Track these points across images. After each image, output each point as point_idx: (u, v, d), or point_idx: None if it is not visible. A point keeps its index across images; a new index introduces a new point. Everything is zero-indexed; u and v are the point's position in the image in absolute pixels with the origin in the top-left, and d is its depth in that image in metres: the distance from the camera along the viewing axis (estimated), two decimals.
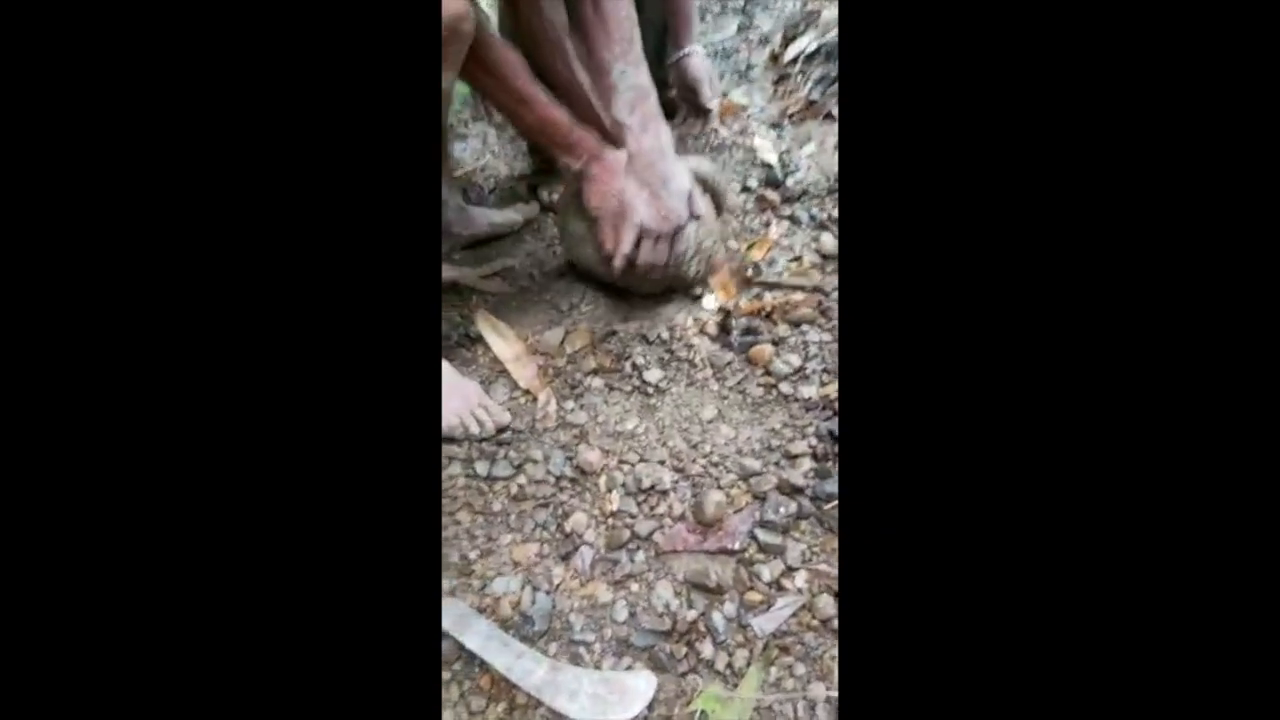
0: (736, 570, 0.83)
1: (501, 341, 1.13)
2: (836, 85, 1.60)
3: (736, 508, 0.88)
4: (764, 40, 1.92)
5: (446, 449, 0.99)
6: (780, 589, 0.81)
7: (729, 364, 1.07)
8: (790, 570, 0.82)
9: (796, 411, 0.98)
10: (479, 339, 1.15)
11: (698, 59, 1.50)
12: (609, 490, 0.92)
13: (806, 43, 1.76)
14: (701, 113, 1.57)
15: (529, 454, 0.97)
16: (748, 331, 1.10)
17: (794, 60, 1.75)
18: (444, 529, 0.90)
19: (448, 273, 1.26)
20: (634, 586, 0.83)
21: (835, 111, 1.56)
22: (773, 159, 1.49)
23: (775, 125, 1.61)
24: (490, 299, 1.24)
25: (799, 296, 1.15)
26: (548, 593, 0.83)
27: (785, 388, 1.01)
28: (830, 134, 1.54)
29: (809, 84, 1.66)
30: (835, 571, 0.81)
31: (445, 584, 0.84)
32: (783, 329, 1.10)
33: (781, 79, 1.75)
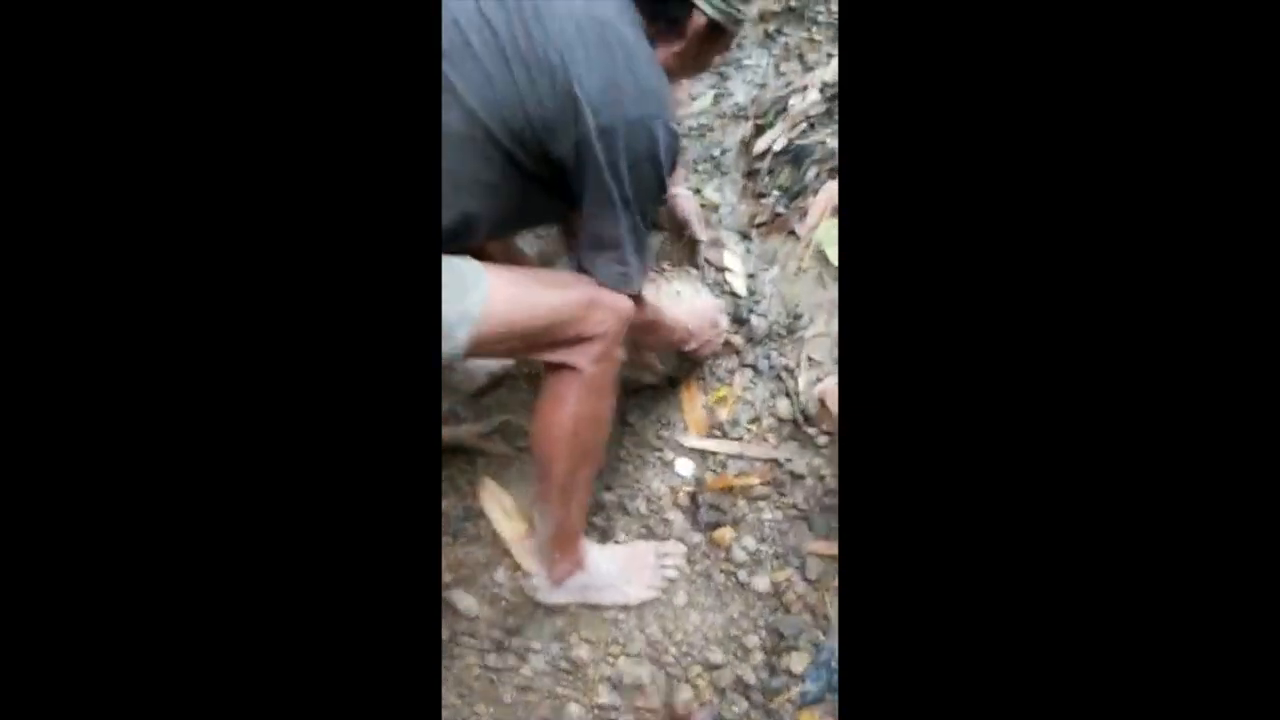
0: None
1: (505, 521, 1.31)
2: (799, 198, 1.70)
3: (701, 701, 1.11)
4: (737, 114, 1.98)
5: (462, 638, 1.20)
6: None
7: (697, 545, 1.26)
8: None
9: (751, 601, 1.19)
10: (482, 514, 1.34)
11: (684, 200, 1.60)
12: (598, 682, 1.14)
13: (775, 136, 1.83)
14: (691, 245, 1.68)
15: (530, 644, 1.18)
16: (713, 508, 1.29)
17: (763, 154, 1.83)
18: (466, 719, 1.12)
19: (448, 435, 1.42)
20: None
21: (798, 229, 1.67)
22: (740, 285, 1.62)
23: (744, 235, 1.72)
24: (492, 462, 1.41)
25: (757, 466, 1.33)
26: None
27: (743, 575, 1.21)
28: (793, 255, 1.66)
29: (775, 193, 1.75)
30: None
31: None
32: (741, 504, 1.29)
33: (751, 174, 1.84)
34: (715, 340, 1.41)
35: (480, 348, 0.88)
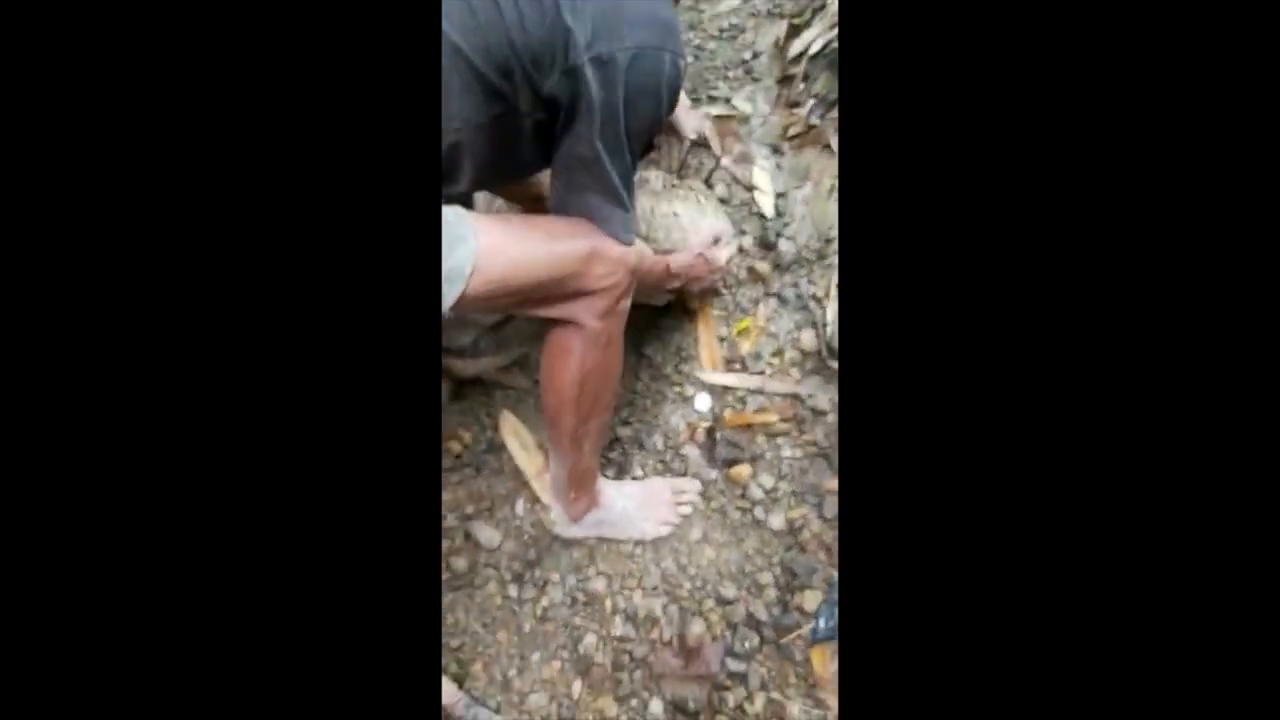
0: (710, 694, 1.09)
1: (524, 454, 1.33)
2: (836, 110, 1.57)
3: (714, 634, 1.13)
4: (771, 12, 1.82)
5: (484, 569, 1.24)
6: (742, 713, 1.07)
7: (713, 481, 1.25)
8: (750, 695, 1.08)
9: (767, 538, 1.19)
10: (503, 446, 1.35)
11: (691, 115, 1.51)
12: (613, 614, 1.17)
13: (812, 37, 1.69)
14: (682, 154, 1.59)
15: (549, 575, 1.21)
16: (731, 444, 1.27)
17: (798, 57, 1.69)
18: (488, 647, 1.17)
19: (468, 367, 1.42)
20: (633, 702, 1.10)
21: (834, 143, 1.56)
22: (769, 206, 1.53)
23: (775, 149, 1.62)
24: (511, 394, 1.41)
25: (777, 401, 1.30)
26: (569, 708, 1.11)
27: (759, 513, 1.21)
28: (828, 172, 1.55)
29: (810, 101, 1.63)
30: (789, 702, 1.06)
31: (491, 702, 1.13)
32: (760, 441, 1.27)
33: (785, 79, 1.70)
34: (707, 277, 1.28)
35: (470, 306, 0.84)
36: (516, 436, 1.35)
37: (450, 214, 0.84)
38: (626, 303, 0.99)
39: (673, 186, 1.34)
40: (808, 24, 1.72)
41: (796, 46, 1.71)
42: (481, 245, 0.83)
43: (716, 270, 1.28)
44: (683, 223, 1.25)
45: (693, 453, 1.28)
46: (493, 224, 0.87)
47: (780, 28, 1.76)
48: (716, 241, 1.27)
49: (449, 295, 0.82)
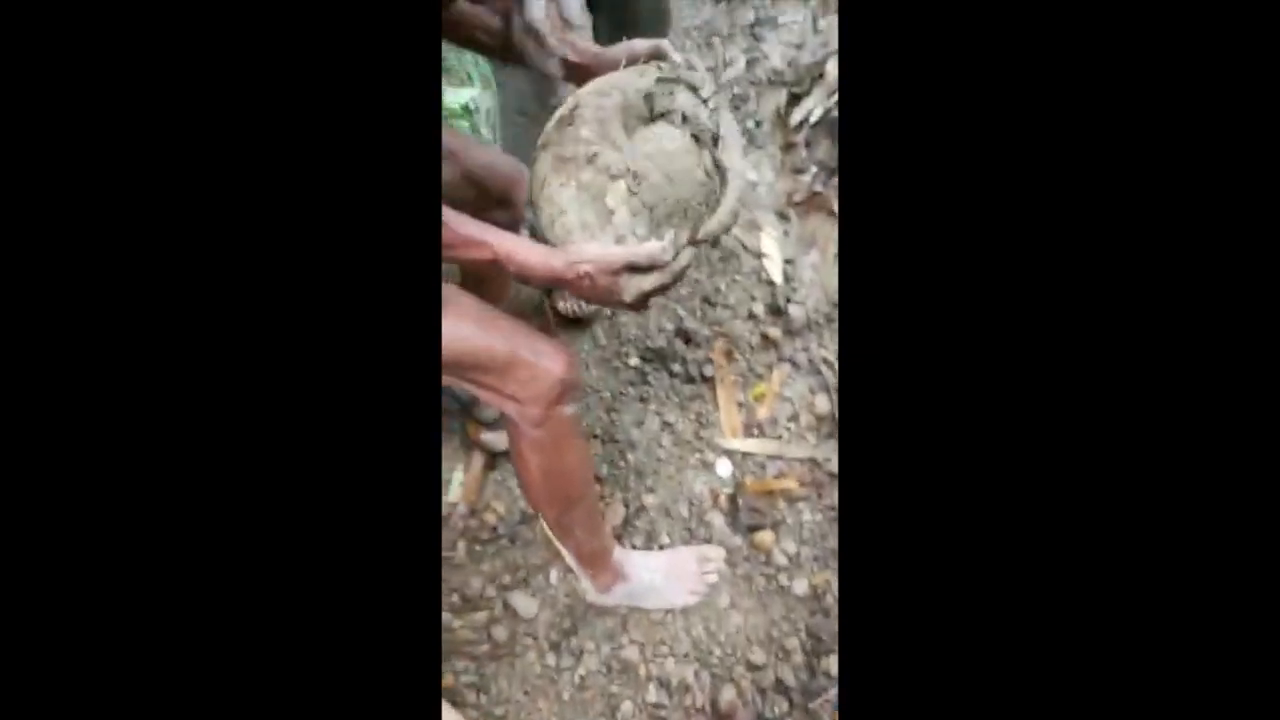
0: None
1: None
2: (832, 174, 1.65)
3: (744, 700, 1.18)
4: (773, 80, 1.90)
5: (523, 638, 1.30)
6: None
7: (738, 548, 1.31)
8: None
9: (792, 604, 1.25)
10: (535, 516, 1.41)
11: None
12: (647, 681, 1.23)
13: (812, 105, 1.77)
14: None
15: (584, 644, 1.27)
16: (753, 510, 1.34)
17: (800, 125, 1.77)
18: (530, 715, 1.23)
19: (499, 441, 1.49)
20: None
21: (836, 209, 1.63)
22: (777, 273, 1.61)
23: (781, 216, 1.70)
24: None
25: (796, 467, 1.36)
26: None
27: (783, 579, 1.27)
28: (833, 238, 1.63)
29: (813, 168, 1.70)
30: None
31: None
32: (781, 506, 1.33)
33: (788, 147, 1.78)
34: (602, 283, 0.81)
35: None
36: None
37: None
38: (565, 408, 0.95)
39: (585, 163, 0.81)
40: (808, 92, 1.80)
41: (797, 114, 1.80)
42: (446, 334, 0.81)
43: (620, 272, 0.80)
44: (568, 224, 0.82)
45: (717, 519, 1.35)
46: (463, 309, 0.88)
47: (781, 96, 1.85)
48: (632, 270, 0.80)
49: None
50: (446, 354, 0.84)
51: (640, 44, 0.91)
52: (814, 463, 1.36)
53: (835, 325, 1.50)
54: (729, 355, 1.51)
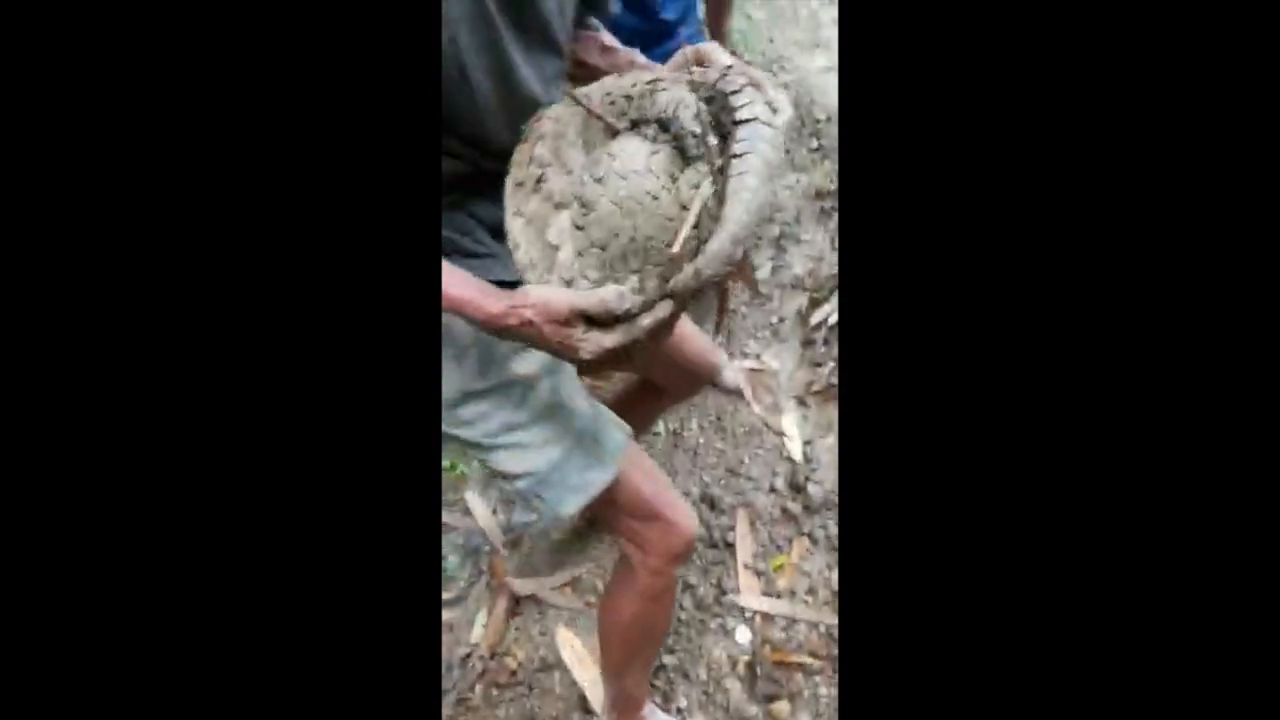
0: None
1: (579, 666, 1.41)
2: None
3: None
4: (795, 285, 2.16)
5: None
6: None
7: (754, 717, 1.33)
8: None
9: None
10: (557, 663, 1.43)
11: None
12: None
13: (830, 310, 2.00)
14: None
15: None
16: (770, 679, 1.37)
17: (819, 325, 1.99)
18: None
19: (524, 586, 1.53)
20: None
21: None
22: (797, 451, 1.74)
23: (801, 402, 1.86)
24: (564, 613, 1.52)
25: (813, 639, 1.41)
26: None
27: None
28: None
29: (830, 363, 1.90)
30: None
31: None
32: (798, 678, 1.37)
33: (808, 343, 1.99)
34: (550, 335, 0.66)
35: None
36: (571, 648, 1.44)
37: (610, 424, 0.91)
38: (673, 575, 1.03)
39: (531, 189, 0.68)
40: (826, 299, 2.05)
41: (816, 316, 2.03)
42: (619, 474, 0.89)
43: (575, 356, 0.67)
44: (520, 263, 0.70)
45: (735, 686, 1.37)
46: (632, 455, 0.93)
47: (803, 299, 2.09)
48: (586, 321, 0.66)
49: (570, 510, 0.90)
50: (613, 495, 0.90)
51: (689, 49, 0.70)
52: (829, 636, 1.42)
53: None
54: (752, 524, 1.60)
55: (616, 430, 0.92)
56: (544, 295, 0.65)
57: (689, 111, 0.62)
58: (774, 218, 2.25)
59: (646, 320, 0.65)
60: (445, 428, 0.87)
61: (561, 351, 0.67)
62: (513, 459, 0.88)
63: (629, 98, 0.66)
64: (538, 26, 0.74)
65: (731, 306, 2.01)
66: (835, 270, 2.10)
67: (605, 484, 0.89)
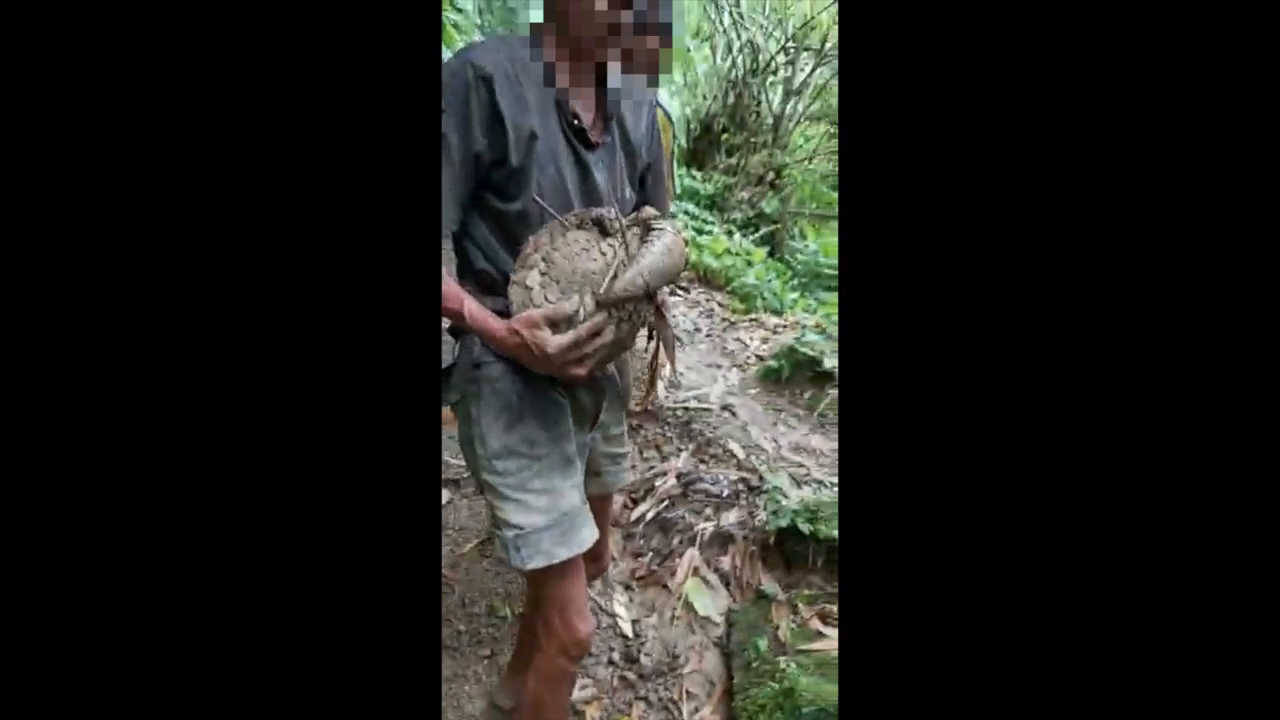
0: None
1: None
2: (668, 559, 2.26)
3: None
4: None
5: None
6: None
7: None
8: None
9: None
10: None
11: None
12: None
13: (646, 509, 2.44)
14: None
15: None
16: None
17: (638, 521, 2.42)
18: None
19: None
20: None
21: (669, 584, 2.20)
22: (628, 628, 2.07)
23: (627, 586, 2.22)
24: None
25: None
26: None
27: None
28: (667, 605, 2.16)
29: (650, 553, 2.31)
30: None
31: None
32: None
33: (629, 536, 2.39)
34: (528, 337, 1.03)
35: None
36: None
37: (588, 517, 1.19)
38: (569, 671, 1.27)
39: (520, 265, 1.07)
40: (642, 499, 2.50)
41: (635, 514, 2.45)
42: (568, 563, 1.15)
43: (545, 351, 1.01)
44: (513, 300, 1.07)
45: None
46: (581, 562, 1.19)
47: (622, 498, 2.52)
48: (553, 327, 1.01)
49: (534, 561, 1.12)
50: (555, 575, 1.15)
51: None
52: None
53: (675, 672, 1.95)
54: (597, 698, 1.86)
55: (589, 531, 1.19)
56: (524, 314, 1.02)
57: (611, 213, 1.05)
58: None
59: (589, 323, 1.01)
60: (482, 472, 1.16)
61: (536, 352, 1.01)
62: (515, 512, 1.14)
63: (582, 215, 1.08)
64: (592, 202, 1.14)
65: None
66: (646, 476, 2.58)
67: (563, 559, 1.14)
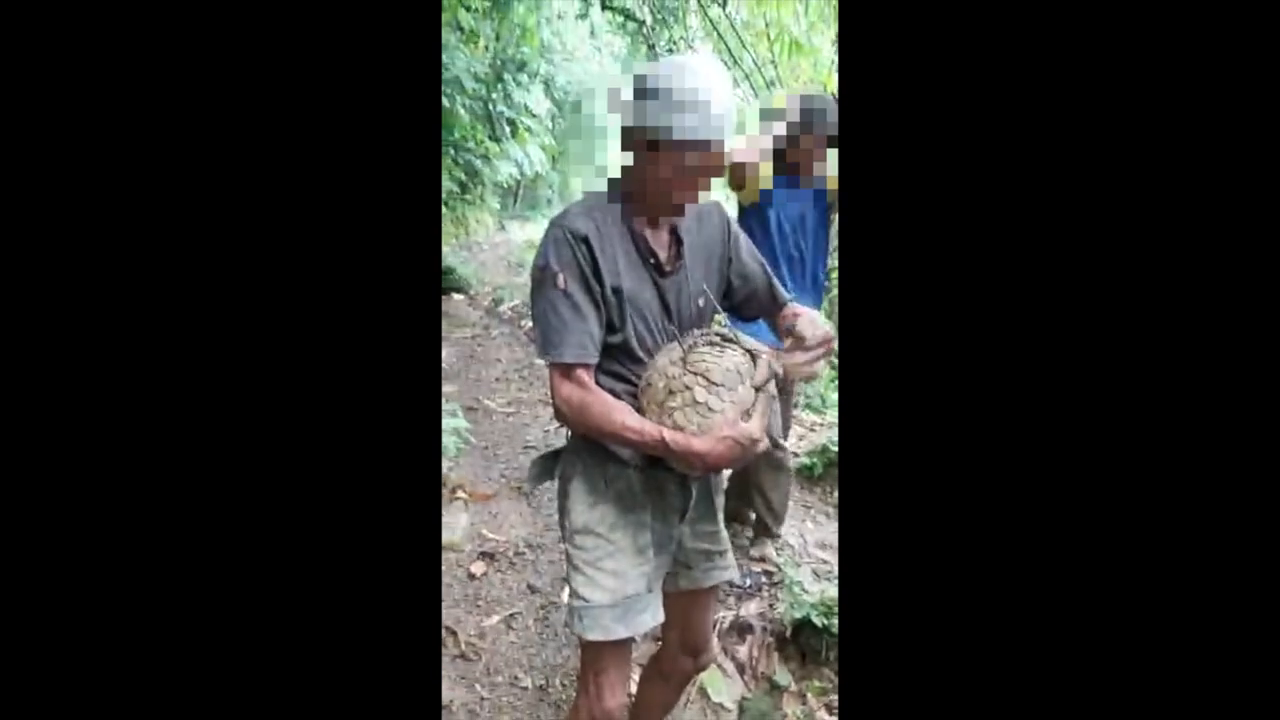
0: None
1: None
2: None
3: None
4: None
5: None
6: None
7: None
8: None
9: None
10: None
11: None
12: None
13: None
14: None
15: None
16: None
17: None
18: None
19: None
20: None
21: None
22: None
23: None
24: None
25: None
26: None
27: None
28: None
29: None
30: None
31: None
32: None
33: None
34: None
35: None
36: None
37: (655, 605, 1.28)
38: None
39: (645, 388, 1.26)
40: None
41: None
42: (619, 643, 1.25)
43: (749, 444, 1.17)
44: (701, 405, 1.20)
45: None
46: (628, 651, 1.31)
47: None
48: (746, 416, 1.19)
49: (593, 632, 1.23)
50: (607, 651, 1.26)
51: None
52: None
53: None
54: None
55: (649, 616, 1.27)
56: (720, 419, 1.16)
57: (729, 331, 1.26)
58: None
59: (760, 405, 1.19)
60: (566, 543, 1.29)
61: (747, 445, 1.15)
62: (584, 585, 1.25)
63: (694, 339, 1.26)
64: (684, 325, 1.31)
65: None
66: None
67: (619, 638, 1.25)
